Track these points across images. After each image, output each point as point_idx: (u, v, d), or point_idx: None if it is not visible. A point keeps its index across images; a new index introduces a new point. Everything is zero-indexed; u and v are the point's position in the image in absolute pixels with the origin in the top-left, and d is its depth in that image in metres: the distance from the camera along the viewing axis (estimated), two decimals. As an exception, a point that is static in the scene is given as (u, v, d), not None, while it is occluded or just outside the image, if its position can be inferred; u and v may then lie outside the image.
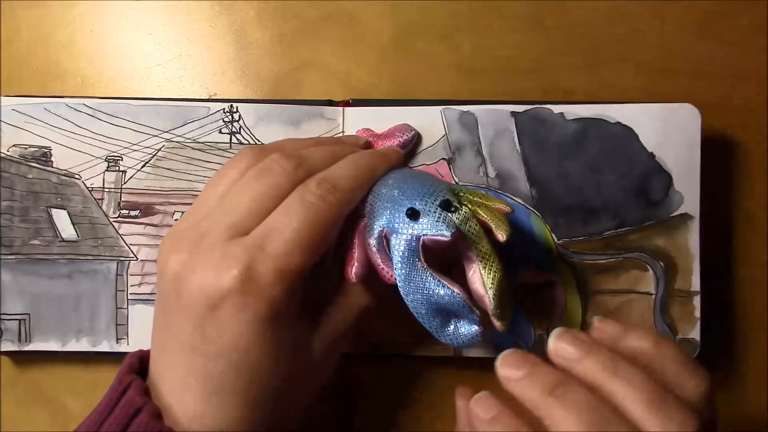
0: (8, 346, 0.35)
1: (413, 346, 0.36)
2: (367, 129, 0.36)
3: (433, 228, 0.27)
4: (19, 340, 0.35)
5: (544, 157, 0.36)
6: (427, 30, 0.38)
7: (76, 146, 0.35)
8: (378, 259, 0.29)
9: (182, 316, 0.27)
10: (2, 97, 0.35)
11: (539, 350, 0.35)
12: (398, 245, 0.28)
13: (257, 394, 0.27)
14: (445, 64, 0.38)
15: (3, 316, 0.35)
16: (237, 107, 0.35)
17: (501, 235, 0.28)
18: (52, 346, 0.35)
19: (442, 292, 0.27)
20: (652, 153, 0.35)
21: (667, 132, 0.35)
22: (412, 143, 0.35)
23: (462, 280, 0.28)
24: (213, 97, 0.38)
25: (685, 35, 0.38)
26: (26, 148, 0.35)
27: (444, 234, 0.27)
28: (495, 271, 0.28)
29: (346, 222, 0.30)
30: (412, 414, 0.38)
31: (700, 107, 0.35)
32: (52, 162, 0.35)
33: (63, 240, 0.35)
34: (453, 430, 0.38)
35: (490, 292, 0.27)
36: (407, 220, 0.27)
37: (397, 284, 0.28)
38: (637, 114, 0.35)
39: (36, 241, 0.35)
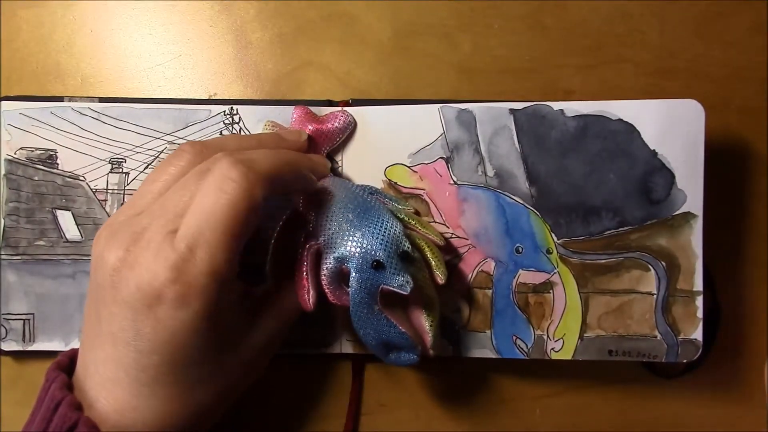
0: (12, 346, 0.37)
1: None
2: (305, 108, 0.37)
3: (394, 281, 0.31)
4: (23, 340, 0.37)
5: (543, 155, 0.36)
6: (427, 30, 0.40)
7: (80, 149, 0.37)
8: (328, 287, 0.32)
9: (117, 311, 0.28)
10: (7, 102, 0.37)
11: (538, 351, 0.37)
12: (359, 289, 0.31)
13: (189, 388, 0.29)
14: (445, 64, 0.40)
15: (8, 316, 0.37)
16: (237, 109, 0.37)
17: (439, 279, 0.34)
18: (56, 346, 0.37)
19: (393, 331, 0.32)
20: (654, 150, 0.36)
21: (670, 129, 0.36)
22: (348, 130, 0.37)
23: (403, 302, 0.33)
24: (213, 98, 0.40)
25: (685, 35, 0.39)
26: (33, 151, 0.37)
27: (405, 289, 0.31)
28: (435, 316, 0.34)
29: (290, 233, 0.34)
30: (412, 414, 0.40)
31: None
32: (57, 164, 0.37)
33: (67, 241, 0.37)
34: (453, 429, 0.40)
35: (430, 332, 0.33)
36: (372, 270, 0.31)
37: (348, 310, 0.32)
38: (639, 110, 0.36)
39: (41, 242, 0.37)
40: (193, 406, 0.30)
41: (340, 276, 0.32)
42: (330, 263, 0.32)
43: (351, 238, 0.32)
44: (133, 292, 0.27)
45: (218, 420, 0.32)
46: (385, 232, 0.32)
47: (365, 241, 0.31)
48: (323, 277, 0.32)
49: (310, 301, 0.32)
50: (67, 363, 0.31)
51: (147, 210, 0.30)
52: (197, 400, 0.30)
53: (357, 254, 0.31)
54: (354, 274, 0.31)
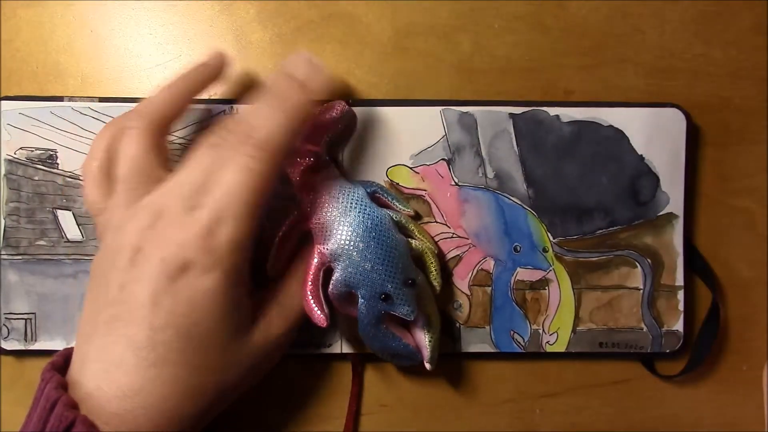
0: (14, 345, 0.38)
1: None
2: None
3: (401, 310, 0.33)
4: (25, 339, 0.38)
5: (540, 159, 0.38)
6: (427, 30, 0.40)
7: (81, 148, 0.37)
8: (336, 302, 0.34)
9: (137, 288, 0.29)
10: (7, 101, 0.37)
11: (534, 344, 0.38)
12: (367, 314, 0.34)
13: (195, 373, 0.30)
14: (445, 64, 0.40)
15: (10, 316, 0.37)
16: (237, 109, 0.38)
17: (436, 288, 0.36)
18: (57, 345, 0.38)
19: (398, 344, 0.35)
20: (641, 155, 0.38)
21: (655, 135, 0.38)
22: (347, 118, 0.37)
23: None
24: (213, 98, 0.40)
25: (685, 35, 0.40)
26: (33, 151, 0.37)
27: (410, 317, 0.34)
28: (435, 332, 0.35)
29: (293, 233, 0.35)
30: (412, 414, 0.40)
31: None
32: (57, 164, 0.37)
33: (68, 240, 0.38)
34: (453, 429, 0.41)
35: (429, 348, 0.35)
36: (380, 301, 0.33)
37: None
38: (628, 117, 0.38)
39: (42, 242, 0.37)
40: (195, 394, 0.30)
41: (348, 295, 0.34)
42: (339, 287, 0.34)
43: (360, 268, 0.33)
44: (157, 265, 0.29)
45: (216, 418, 0.33)
46: (393, 264, 0.33)
47: (375, 275, 0.33)
48: (331, 294, 0.34)
49: (326, 319, 0.33)
50: (62, 363, 0.31)
51: (160, 190, 0.31)
52: (200, 387, 0.30)
53: (366, 286, 0.33)
54: (362, 300, 0.33)
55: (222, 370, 0.31)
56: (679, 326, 0.39)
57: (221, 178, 0.30)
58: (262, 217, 0.31)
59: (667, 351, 0.39)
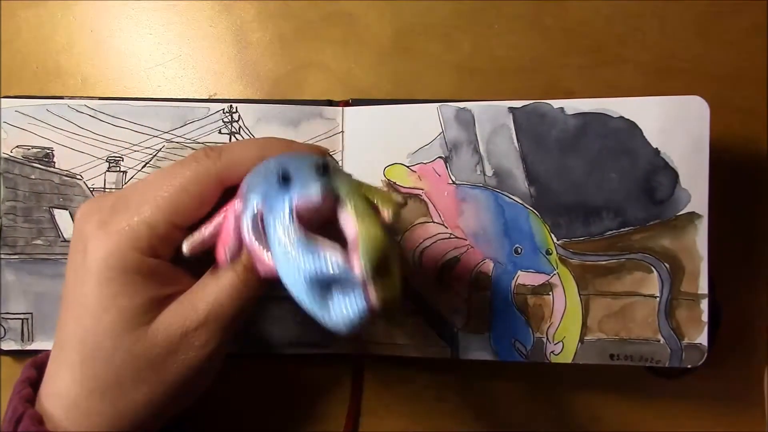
0: (11, 345, 0.37)
1: (411, 348, 0.37)
2: None
3: (301, 190, 0.25)
4: (22, 339, 0.37)
5: (543, 154, 0.36)
6: (427, 30, 0.40)
7: (77, 147, 0.37)
8: (255, 246, 0.26)
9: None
10: (4, 99, 0.37)
11: (538, 354, 0.37)
12: (272, 222, 0.25)
13: (99, 369, 0.27)
14: (445, 64, 0.40)
15: (6, 316, 0.37)
16: (236, 107, 0.37)
17: (385, 214, 0.27)
18: None
19: (324, 262, 0.24)
20: (656, 149, 0.35)
21: (673, 126, 0.35)
22: None
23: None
24: (213, 97, 0.40)
25: (685, 35, 0.39)
26: (29, 149, 0.37)
27: (316, 197, 0.25)
28: (373, 256, 0.24)
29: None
30: (412, 413, 0.40)
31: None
32: (54, 163, 0.37)
33: (65, 240, 0.37)
34: (453, 430, 0.40)
35: (368, 274, 0.24)
36: (278, 187, 0.25)
37: (279, 275, 0.25)
38: (641, 108, 0.35)
39: (39, 241, 0.37)
40: (109, 396, 0.27)
41: (262, 226, 0.26)
42: (246, 210, 0.26)
43: (255, 174, 0.27)
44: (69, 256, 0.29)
45: (215, 418, 0.32)
46: (302, 155, 0.27)
47: (272, 163, 0.27)
48: (247, 233, 0.26)
49: (228, 256, 0.27)
50: (45, 360, 0.31)
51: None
52: (112, 391, 0.27)
53: (261, 182, 0.26)
54: (267, 209, 0.25)
55: (122, 370, 0.27)
56: (702, 339, 0.36)
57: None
58: (176, 220, 0.28)
59: (689, 366, 0.36)
